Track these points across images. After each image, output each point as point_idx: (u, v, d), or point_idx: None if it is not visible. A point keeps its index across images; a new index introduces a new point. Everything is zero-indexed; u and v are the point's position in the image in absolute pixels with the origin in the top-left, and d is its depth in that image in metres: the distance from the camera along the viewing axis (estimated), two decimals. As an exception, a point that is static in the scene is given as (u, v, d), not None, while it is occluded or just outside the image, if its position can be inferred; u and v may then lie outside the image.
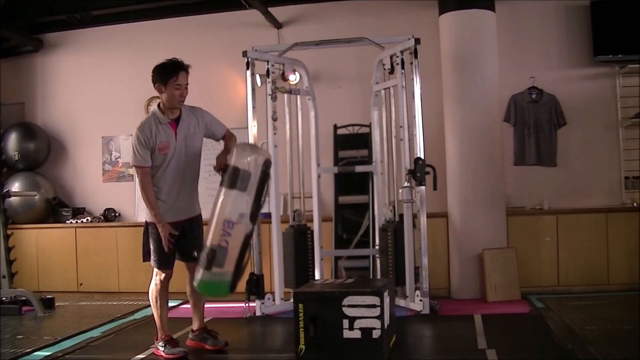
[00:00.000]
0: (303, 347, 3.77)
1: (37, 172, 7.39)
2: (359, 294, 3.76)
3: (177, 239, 4.11)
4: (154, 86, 4.12)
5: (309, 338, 3.76)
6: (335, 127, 6.64)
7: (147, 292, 4.29)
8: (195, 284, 3.96)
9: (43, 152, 7.42)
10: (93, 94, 7.45)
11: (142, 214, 4.32)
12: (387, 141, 5.83)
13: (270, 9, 6.66)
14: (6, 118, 7.46)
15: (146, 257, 4.22)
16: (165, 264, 4.16)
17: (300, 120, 5.94)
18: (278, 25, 6.92)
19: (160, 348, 4.13)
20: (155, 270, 4.20)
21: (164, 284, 4.23)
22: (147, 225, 4.17)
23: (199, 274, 3.87)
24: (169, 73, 4.02)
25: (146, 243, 4.19)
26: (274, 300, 5.51)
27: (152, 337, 4.65)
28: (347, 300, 3.74)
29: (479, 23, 6.02)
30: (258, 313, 5.37)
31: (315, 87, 6.03)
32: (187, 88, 4.11)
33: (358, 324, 3.72)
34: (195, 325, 4.34)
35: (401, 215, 5.41)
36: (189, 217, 4.22)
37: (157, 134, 4.01)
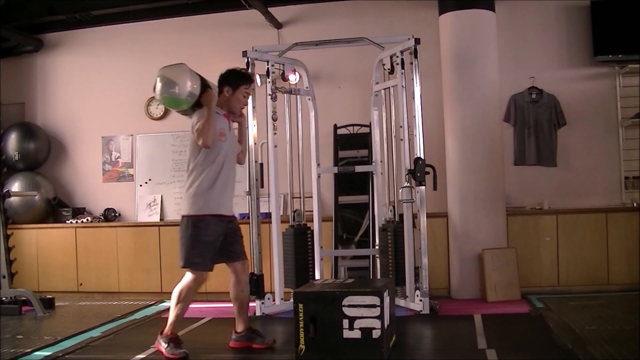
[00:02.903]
0: (303, 347, 3.77)
1: (37, 172, 7.39)
2: (359, 294, 3.75)
3: (222, 239, 4.17)
4: (220, 85, 4.25)
5: (309, 338, 3.76)
6: (335, 127, 6.64)
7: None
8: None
9: (43, 152, 7.42)
10: (93, 94, 7.45)
11: (178, 213, 4.31)
12: (387, 141, 5.83)
13: (270, 9, 6.66)
14: (6, 118, 7.46)
15: (188, 261, 4.20)
16: (208, 266, 4.19)
17: (300, 120, 5.94)
18: (278, 25, 6.92)
19: (162, 344, 4.11)
20: (196, 274, 4.21)
21: (199, 286, 4.27)
22: (189, 225, 4.16)
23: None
24: (242, 80, 4.26)
25: (189, 246, 4.17)
26: (274, 300, 5.51)
27: (152, 337, 4.64)
28: (347, 300, 3.74)
29: (479, 23, 6.02)
30: (258, 313, 5.37)
31: (315, 87, 6.03)
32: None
33: (358, 324, 3.72)
34: (240, 327, 4.30)
35: (401, 215, 5.41)
36: (231, 215, 4.30)
37: (218, 119, 4.11)
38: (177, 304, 4.20)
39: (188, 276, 4.21)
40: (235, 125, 4.37)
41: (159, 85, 4.08)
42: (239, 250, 4.28)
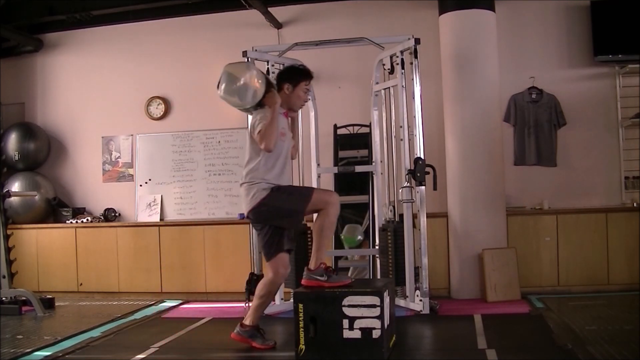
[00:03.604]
0: (303, 347, 3.77)
1: (37, 172, 7.39)
2: (359, 294, 3.75)
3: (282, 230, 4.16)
4: (279, 83, 4.20)
5: (309, 338, 3.76)
6: (335, 127, 6.63)
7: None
8: None
9: (43, 152, 7.42)
10: (93, 94, 7.45)
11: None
12: (387, 141, 5.83)
13: (270, 9, 6.66)
14: (6, 118, 7.46)
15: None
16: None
17: (300, 120, 5.93)
18: (278, 25, 6.92)
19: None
20: (318, 196, 4.07)
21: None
22: (265, 202, 4.03)
23: None
24: (302, 76, 4.22)
25: (290, 192, 4.10)
26: (274, 300, 5.50)
27: (152, 337, 4.66)
28: (347, 300, 3.74)
29: (479, 23, 6.02)
30: (258, 313, 5.37)
31: (315, 87, 6.02)
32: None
33: (358, 324, 3.72)
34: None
35: (401, 215, 5.41)
36: None
37: (280, 119, 4.08)
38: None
39: (324, 206, 4.04)
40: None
41: (223, 82, 4.05)
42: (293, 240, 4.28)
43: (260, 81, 4.05)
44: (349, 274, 6.24)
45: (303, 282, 4.02)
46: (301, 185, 4.02)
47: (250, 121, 4.12)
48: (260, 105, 4.09)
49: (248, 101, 4.07)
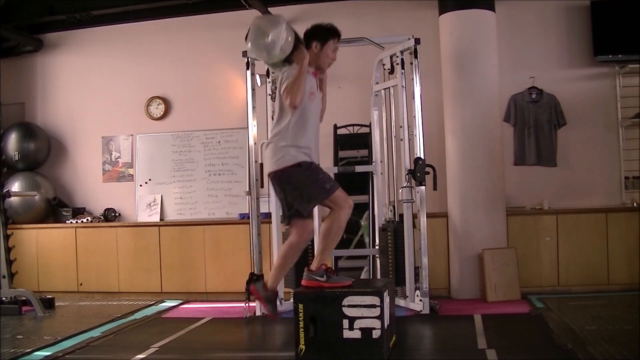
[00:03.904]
0: (303, 347, 3.77)
1: (37, 172, 7.39)
2: (359, 294, 3.75)
3: None
4: (307, 41, 4.05)
5: (309, 338, 3.76)
6: (335, 127, 6.63)
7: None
8: None
9: (43, 152, 7.42)
10: (93, 94, 7.45)
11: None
12: (387, 141, 5.83)
13: (270, 9, 6.64)
14: (6, 118, 7.46)
15: (323, 192, 3.93)
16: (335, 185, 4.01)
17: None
18: (278, 25, 6.90)
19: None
20: (336, 196, 3.96)
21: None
22: (289, 173, 3.90)
23: None
24: (331, 34, 4.09)
25: (311, 179, 3.93)
26: (274, 300, 5.51)
27: (152, 337, 4.66)
28: (347, 300, 3.74)
29: (479, 23, 6.02)
30: (258, 313, 5.37)
31: (315, 87, 6.02)
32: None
33: (358, 324, 3.72)
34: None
35: (401, 215, 5.41)
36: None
37: (307, 79, 3.97)
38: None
39: (337, 209, 3.96)
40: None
41: (251, 36, 3.94)
42: None
43: (289, 37, 3.92)
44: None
45: (303, 282, 4.01)
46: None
47: (279, 77, 4.00)
48: (288, 61, 3.98)
49: (275, 56, 3.93)
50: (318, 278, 3.93)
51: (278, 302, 4.17)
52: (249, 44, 3.97)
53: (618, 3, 6.21)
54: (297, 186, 3.91)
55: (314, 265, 3.99)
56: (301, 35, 4.04)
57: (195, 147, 7.16)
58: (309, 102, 3.96)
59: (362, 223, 6.28)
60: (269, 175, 4.02)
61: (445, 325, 4.92)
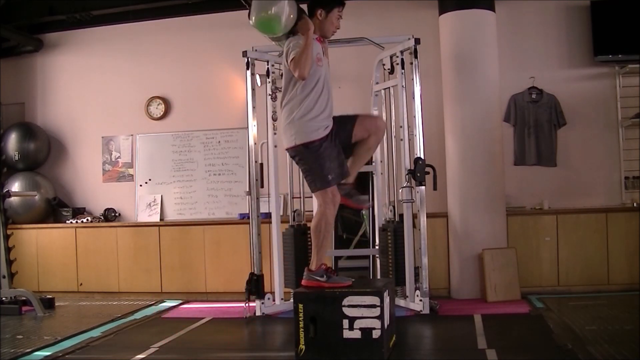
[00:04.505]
0: (303, 347, 3.77)
1: (37, 172, 7.39)
2: (359, 294, 3.75)
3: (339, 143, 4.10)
4: (312, 9, 4.08)
5: (309, 338, 3.76)
6: (335, 127, 6.62)
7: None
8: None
9: (43, 152, 7.42)
10: (93, 94, 7.45)
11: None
12: (387, 141, 5.82)
13: (270, 9, 6.65)
14: (6, 118, 7.46)
15: (323, 181, 3.97)
16: (343, 174, 4.07)
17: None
18: (278, 25, 6.90)
19: (320, 279, 3.98)
20: (330, 192, 3.99)
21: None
22: (310, 152, 3.96)
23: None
24: (336, 2, 4.10)
25: (318, 168, 3.96)
26: (274, 300, 5.51)
27: (152, 337, 4.66)
28: (347, 300, 3.74)
29: (479, 23, 6.02)
30: (258, 313, 5.37)
31: (315, 87, 6.02)
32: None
33: (358, 324, 3.72)
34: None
35: (401, 215, 5.41)
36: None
37: (314, 45, 3.97)
38: (322, 235, 4.02)
39: (322, 203, 4.00)
40: None
41: (254, 10, 3.94)
42: (353, 125, 4.15)
43: (292, 8, 3.94)
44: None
45: (303, 282, 4.02)
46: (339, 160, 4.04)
47: (284, 49, 3.99)
48: (292, 32, 3.99)
49: (280, 29, 3.95)
50: (318, 278, 3.94)
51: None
52: (253, 20, 3.98)
53: (618, 3, 6.21)
54: (308, 166, 4.00)
55: (312, 265, 3.99)
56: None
57: (195, 147, 7.16)
58: (318, 69, 3.99)
59: (363, 213, 6.27)
60: (286, 149, 4.10)
61: (445, 325, 4.92)
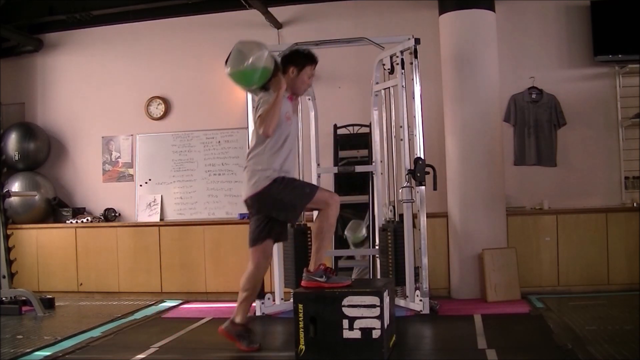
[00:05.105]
0: (303, 347, 3.77)
1: (37, 172, 7.39)
2: (358, 294, 3.75)
3: None
4: (284, 65, 4.12)
5: (309, 338, 3.76)
6: (335, 127, 6.63)
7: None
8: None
9: (43, 152, 7.42)
10: (93, 94, 7.45)
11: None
12: (387, 141, 5.82)
13: (270, 9, 6.66)
14: (6, 118, 7.46)
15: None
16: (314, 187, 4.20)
17: (300, 120, 5.93)
18: (278, 25, 6.91)
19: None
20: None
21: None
22: (267, 192, 3.99)
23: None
24: (308, 60, 4.15)
25: (278, 205, 4.03)
26: (274, 300, 5.51)
27: (152, 337, 4.66)
28: (346, 300, 3.74)
29: (479, 23, 6.02)
30: (258, 313, 5.37)
31: (315, 87, 6.02)
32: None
33: (358, 324, 3.72)
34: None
35: (401, 215, 5.40)
36: None
37: (283, 103, 4.00)
38: (316, 238, 4.07)
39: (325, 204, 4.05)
40: None
41: (232, 59, 3.96)
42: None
43: (268, 63, 3.96)
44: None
45: (302, 283, 4.02)
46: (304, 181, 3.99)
47: (255, 103, 4.04)
48: (265, 88, 4.02)
49: (254, 82, 3.98)
50: (317, 278, 3.94)
51: (250, 336, 4.17)
52: (228, 68, 4.00)
53: (618, 3, 6.22)
54: (278, 199, 4.00)
55: (311, 266, 4.00)
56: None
57: (195, 147, 7.16)
58: (286, 126, 4.03)
59: (347, 233, 6.30)
60: (245, 200, 4.12)
61: (445, 325, 4.92)
